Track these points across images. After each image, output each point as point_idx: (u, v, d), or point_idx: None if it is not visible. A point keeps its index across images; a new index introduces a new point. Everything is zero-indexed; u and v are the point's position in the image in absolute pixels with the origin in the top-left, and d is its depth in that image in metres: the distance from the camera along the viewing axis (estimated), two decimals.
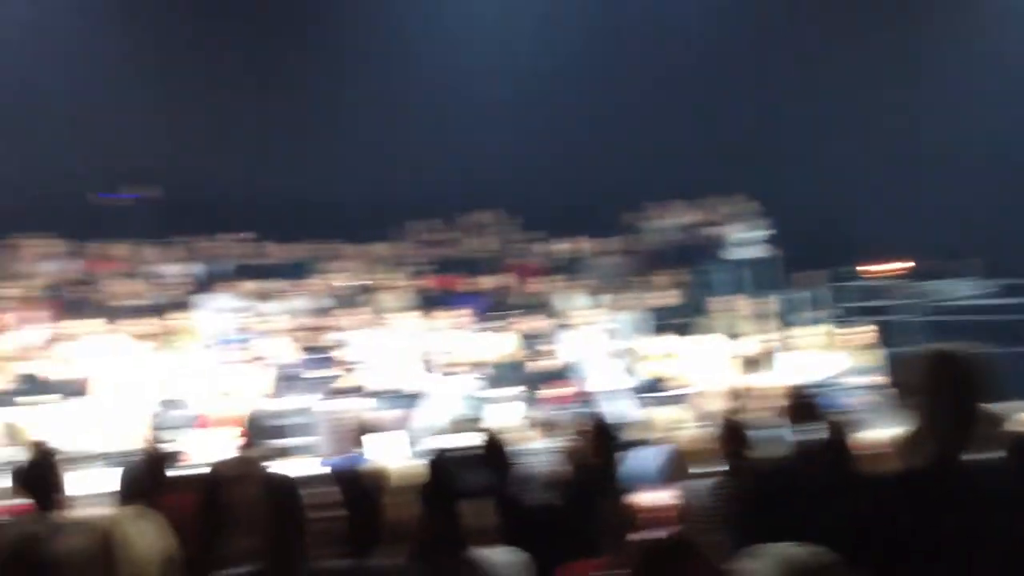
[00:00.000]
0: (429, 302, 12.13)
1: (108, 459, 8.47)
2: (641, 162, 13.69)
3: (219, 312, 11.72)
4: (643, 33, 14.28)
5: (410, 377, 10.62)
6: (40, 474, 3.92)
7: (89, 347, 10.44)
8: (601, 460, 5.11)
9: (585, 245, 13.49)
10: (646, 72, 14.08)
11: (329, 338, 11.08)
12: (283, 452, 7.66)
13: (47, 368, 10.15)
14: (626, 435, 5.68)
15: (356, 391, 10.33)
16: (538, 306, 12.05)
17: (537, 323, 11.49)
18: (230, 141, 13.95)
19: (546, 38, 14.24)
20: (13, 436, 7.92)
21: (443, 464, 4.42)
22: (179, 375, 10.31)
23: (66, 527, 2.73)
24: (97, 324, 10.81)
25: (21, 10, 13.67)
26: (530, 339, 11.26)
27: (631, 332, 11.62)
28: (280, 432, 6.92)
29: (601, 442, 5.14)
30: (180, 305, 11.73)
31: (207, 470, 4.28)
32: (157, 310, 11.57)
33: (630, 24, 14.46)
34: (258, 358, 10.69)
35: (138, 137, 13.40)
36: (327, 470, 6.58)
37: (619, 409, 9.54)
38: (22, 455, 4.46)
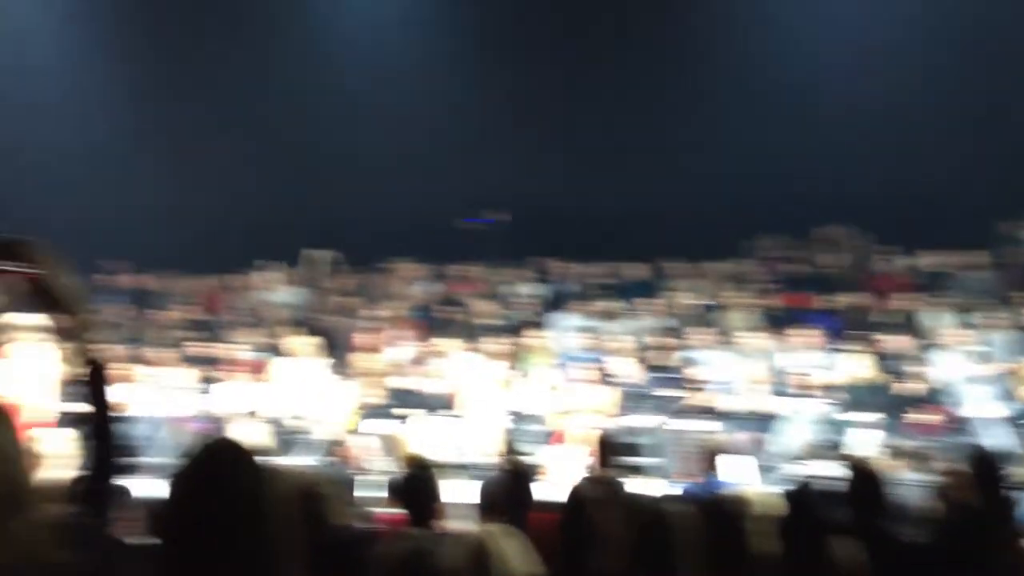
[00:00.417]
0: (779, 321, 11.73)
1: (471, 471, 8.97)
2: (1013, 166, 12.41)
3: (568, 331, 12.07)
4: (1009, 24, 12.97)
5: (760, 399, 10.31)
6: (416, 487, 4.18)
7: (453, 364, 11.15)
8: (983, 499, 4.64)
9: (951, 259, 12.43)
10: (1017, 65, 12.77)
11: (676, 357, 11.04)
12: (635, 471, 7.71)
13: (417, 383, 10.96)
14: (1010, 471, 5.12)
15: (705, 412, 10.21)
16: (899, 325, 11.25)
17: (899, 343, 10.73)
18: (578, 162, 14.35)
19: (902, 37, 13.34)
20: (392, 449, 8.59)
21: (806, 495, 4.20)
22: (532, 392, 10.72)
23: (445, 540, 2.88)
24: (459, 342, 11.51)
25: (379, 46, 14.96)
26: (891, 360, 10.53)
27: (1007, 354, 10.53)
28: (631, 451, 6.96)
29: (982, 479, 4.66)
30: (532, 324, 12.22)
31: (568, 489, 4.36)
32: (511, 329, 12.13)
33: (993, 15, 13.20)
34: (605, 377, 10.87)
35: (495, 161, 14.20)
36: (681, 492, 6.53)
37: (997, 440, 8.66)
38: (399, 467, 4.78)
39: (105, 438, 2.27)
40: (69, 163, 14.08)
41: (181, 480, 2.07)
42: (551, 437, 10.07)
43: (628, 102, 14.30)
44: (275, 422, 10.60)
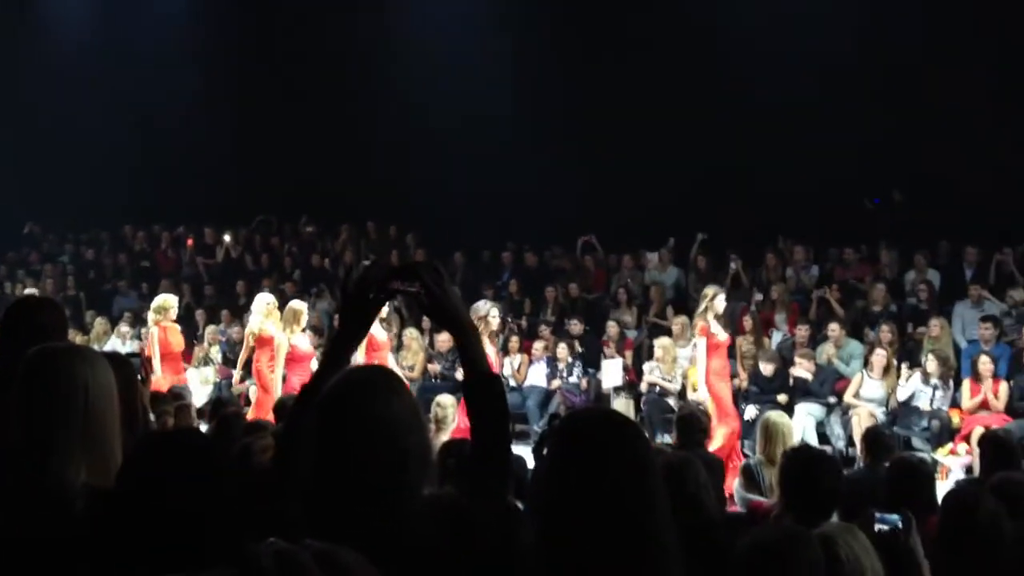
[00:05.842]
0: None
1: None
2: None
3: (967, 320, 11.11)
4: None
5: None
6: (800, 475, 3.97)
7: (837, 350, 10.73)
8: None
9: None
10: None
11: None
12: None
13: (799, 369, 10.46)
14: None
15: None
16: None
17: None
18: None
19: None
20: (769, 434, 8.30)
21: None
22: (923, 384, 9.93)
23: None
24: (843, 329, 10.96)
25: None
26: None
27: None
28: None
29: None
30: (926, 313, 11.25)
31: (949, 493, 4.02)
32: (903, 317, 11.38)
33: None
34: (1012, 370, 9.90)
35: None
36: None
37: None
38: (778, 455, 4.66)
39: (498, 461, 2.28)
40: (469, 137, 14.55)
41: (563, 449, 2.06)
42: (950, 435, 9.42)
43: None
44: (647, 398, 10.74)
